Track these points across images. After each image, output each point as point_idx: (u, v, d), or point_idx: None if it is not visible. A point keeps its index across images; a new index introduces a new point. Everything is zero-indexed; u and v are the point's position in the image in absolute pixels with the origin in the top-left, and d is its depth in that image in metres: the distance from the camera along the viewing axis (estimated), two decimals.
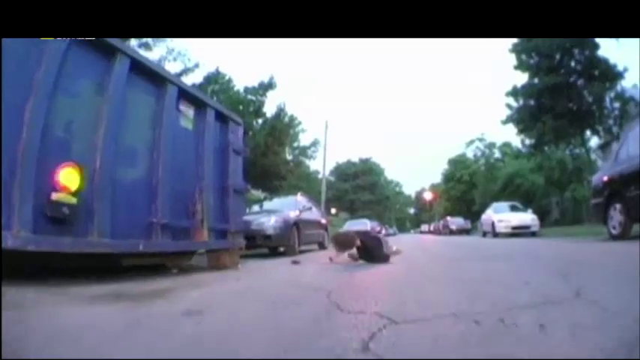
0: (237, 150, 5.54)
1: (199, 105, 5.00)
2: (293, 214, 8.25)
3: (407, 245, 10.31)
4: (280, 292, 3.00)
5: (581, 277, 2.71)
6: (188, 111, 4.86)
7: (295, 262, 5.54)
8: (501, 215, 14.43)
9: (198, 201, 4.65)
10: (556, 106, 18.78)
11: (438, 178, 56.16)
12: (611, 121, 18.72)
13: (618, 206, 6.65)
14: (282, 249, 8.01)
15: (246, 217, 7.42)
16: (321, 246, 10.25)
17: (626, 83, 18.75)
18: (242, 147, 5.74)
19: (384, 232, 25.35)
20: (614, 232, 6.78)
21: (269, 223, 7.42)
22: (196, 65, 21.00)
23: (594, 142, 22.19)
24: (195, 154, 4.85)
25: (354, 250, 5.25)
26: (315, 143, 30.49)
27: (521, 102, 20.88)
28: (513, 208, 15.56)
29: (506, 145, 37.32)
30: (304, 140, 31.53)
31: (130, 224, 3.77)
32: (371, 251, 5.06)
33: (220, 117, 5.39)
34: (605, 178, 7.29)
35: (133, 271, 4.08)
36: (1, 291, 2.19)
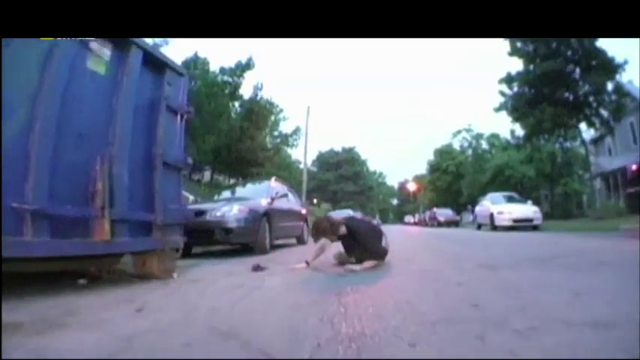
0: (173, 107, 3.84)
1: (120, 44, 3.40)
2: (264, 202, 6.55)
3: (402, 240, 8.80)
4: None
5: None
6: (101, 50, 3.32)
7: (258, 269, 3.90)
8: (501, 207, 12.98)
9: (99, 177, 2.97)
10: (554, 93, 17.68)
11: (421, 170, 55.26)
12: (607, 114, 17.65)
13: None
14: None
15: (201, 206, 5.77)
16: (300, 240, 8.66)
17: (622, 78, 17.79)
18: (183, 105, 4.04)
19: None
20: None
21: (230, 213, 5.69)
22: (165, 42, 19.52)
23: (585, 136, 21.26)
24: (105, 110, 3.23)
25: (341, 250, 3.82)
26: (297, 131, 29.37)
27: (516, 89, 19.67)
28: (510, 199, 14.16)
29: (494, 136, 36.47)
30: (286, 129, 30.57)
31: None
32: (364, 245, 3.59)
33: (152, 62, 3.74)
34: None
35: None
36: (1, 296, 1.96)
